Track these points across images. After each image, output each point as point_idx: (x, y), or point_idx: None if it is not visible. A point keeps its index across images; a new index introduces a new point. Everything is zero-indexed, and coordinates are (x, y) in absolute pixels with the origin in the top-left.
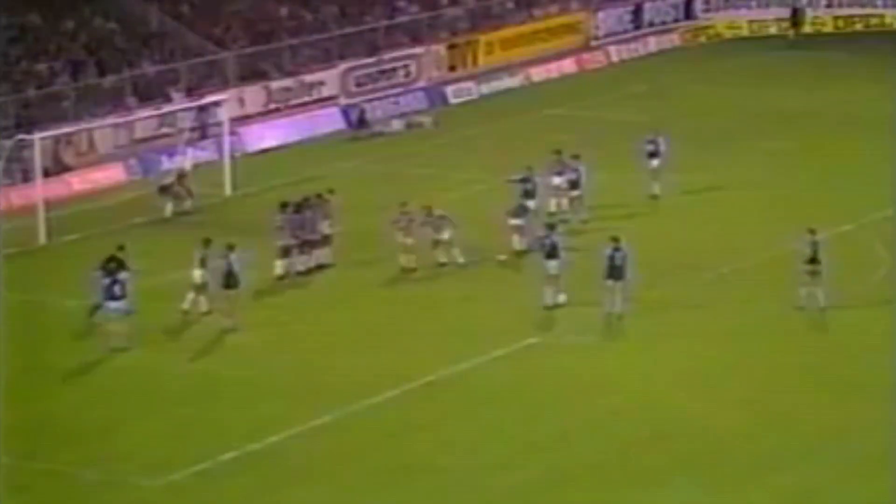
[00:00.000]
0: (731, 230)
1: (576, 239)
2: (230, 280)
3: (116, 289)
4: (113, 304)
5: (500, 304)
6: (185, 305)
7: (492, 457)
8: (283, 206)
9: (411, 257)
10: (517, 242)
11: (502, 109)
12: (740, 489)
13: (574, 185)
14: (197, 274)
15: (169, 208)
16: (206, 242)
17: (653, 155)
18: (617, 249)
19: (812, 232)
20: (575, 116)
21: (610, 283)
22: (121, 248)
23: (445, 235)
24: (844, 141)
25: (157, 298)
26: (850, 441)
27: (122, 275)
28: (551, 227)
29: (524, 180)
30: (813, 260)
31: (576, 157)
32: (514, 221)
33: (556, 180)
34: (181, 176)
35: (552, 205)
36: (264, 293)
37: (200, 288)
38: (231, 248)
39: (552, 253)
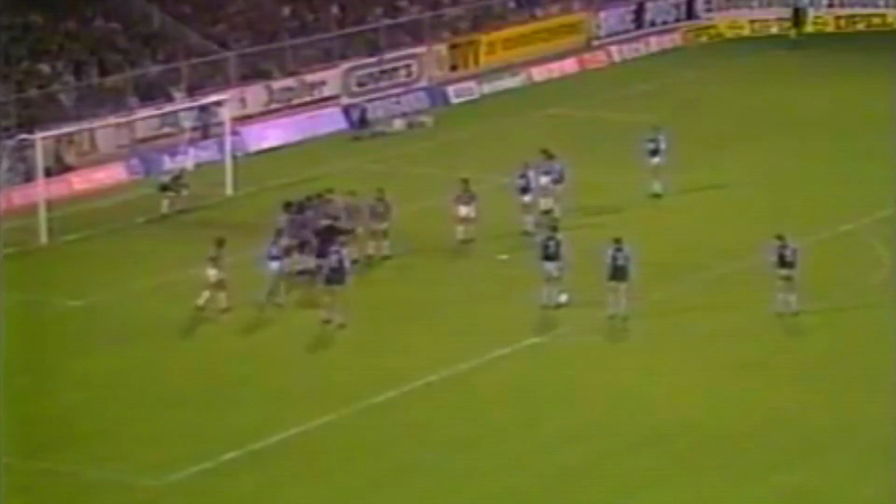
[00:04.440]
0: (731, 229)
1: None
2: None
3: (274, 250)
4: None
5: (500, 303)
6: (200, 302)
7: (492, 457)
8: (287, 205)
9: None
10: (461, 233)
11: (504, 109)
12: (741, 489)
13: (555, 182)
14: (211, 273)
15: (165, 205)
16: (221, 242)
17: (654, 153)
18: (619, 250)
19: (780, 238)
20: (576, 116)
21: (613, 284)
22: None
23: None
24: (845, 140)
25: (157, 297)
26: (851, 441)
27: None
28: (554, 228)
29: (521, 176)
30: (784, 265)
31: (550, 156)
32: (463, 210)
33: (544, 180)
34: (176, 177)
35: (542, 204)
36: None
37: (217, 286)
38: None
39: (552, 254)
